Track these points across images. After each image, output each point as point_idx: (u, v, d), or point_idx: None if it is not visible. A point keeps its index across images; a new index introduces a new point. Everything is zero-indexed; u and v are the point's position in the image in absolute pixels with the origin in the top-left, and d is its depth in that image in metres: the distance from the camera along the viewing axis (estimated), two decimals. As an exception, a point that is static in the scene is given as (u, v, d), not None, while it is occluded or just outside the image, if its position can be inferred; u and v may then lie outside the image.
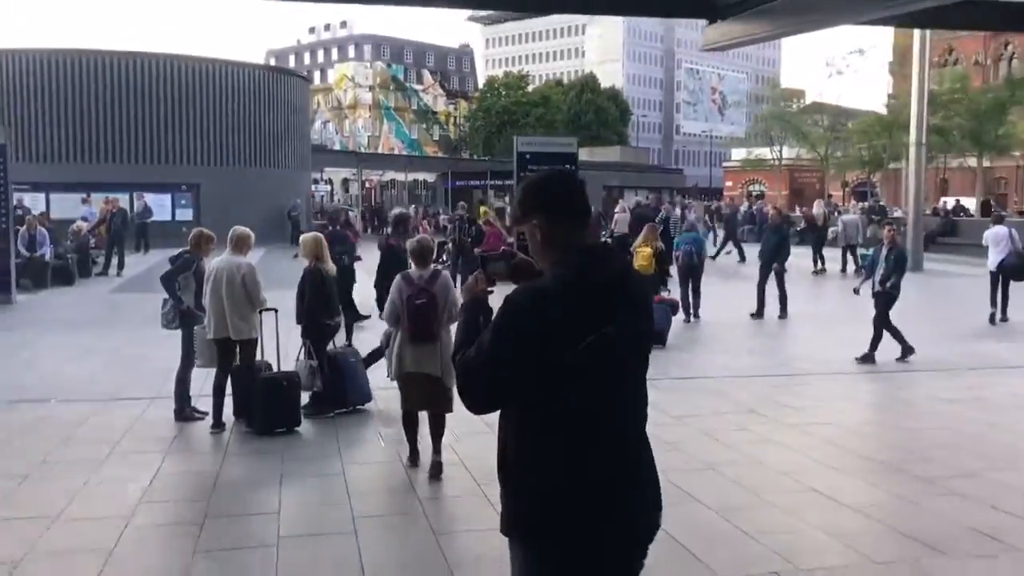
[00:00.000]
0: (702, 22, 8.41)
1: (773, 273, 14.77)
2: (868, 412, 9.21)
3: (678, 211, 26.89)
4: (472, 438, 6.93)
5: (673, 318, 12.54)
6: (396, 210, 16.28)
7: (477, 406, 2.54)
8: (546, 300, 2.41)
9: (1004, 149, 47.67)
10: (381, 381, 7.97)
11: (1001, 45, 61.38)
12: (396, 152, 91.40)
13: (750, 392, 9.73)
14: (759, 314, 14.58)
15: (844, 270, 22.67)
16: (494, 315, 2.49)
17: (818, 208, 25.81)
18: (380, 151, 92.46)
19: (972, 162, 49.30)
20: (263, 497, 6.12)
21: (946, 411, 8.75)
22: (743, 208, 40.01)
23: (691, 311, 14.23)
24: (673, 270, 15.44)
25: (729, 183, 72.24)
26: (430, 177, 62.77)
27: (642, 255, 11.62)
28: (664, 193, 42.84)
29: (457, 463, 6.77)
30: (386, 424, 7.88)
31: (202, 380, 8.25)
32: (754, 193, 62.41)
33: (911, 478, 6.45)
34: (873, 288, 11.14)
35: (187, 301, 8.01)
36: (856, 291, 11.42)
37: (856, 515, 5.66)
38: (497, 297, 2.61)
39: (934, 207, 39.44)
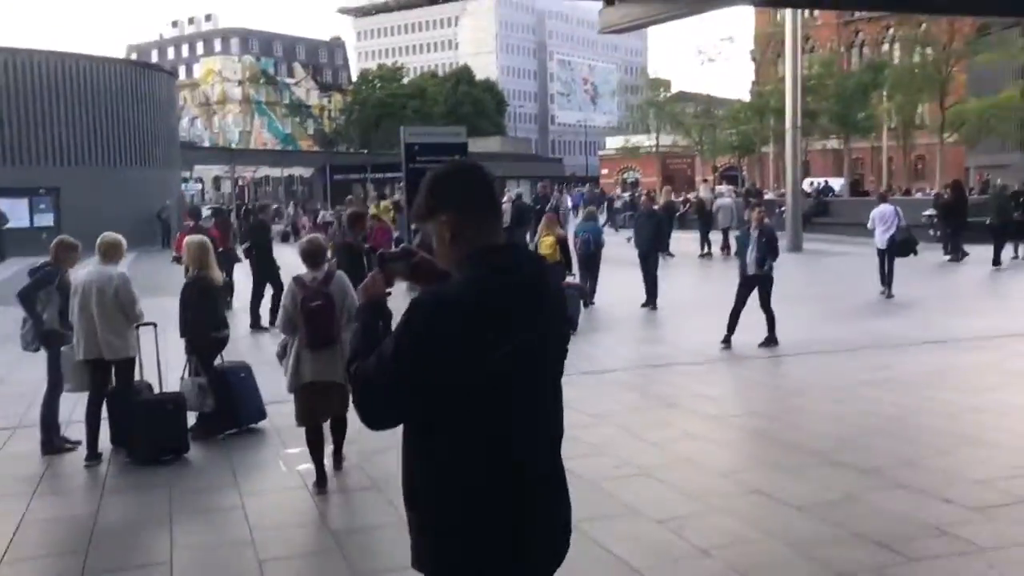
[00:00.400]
0: (587, 8, 8.03)
1: (650, 259, 14.53)
2: (787, 398, 8.96)
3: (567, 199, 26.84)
4: (381, 456, 6.30)
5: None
6: (350, 208, 15.44)
7: (376, 422, 2.26)
8: (456, 305, 2.16)
9: (867, 131, 49.85)
10: (278, 395, 7.24)
11: (852, 33, 64.79)
12: (269, 147, 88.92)
13: (664, 383, 9.46)
14: (650, 303, 14.41)
15: (726, 252, 22.76)
16: (396, 320, 2.24)
17: (705, 192, 26.13)
18: (253, 147, 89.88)
19: (834, 144, 51.25)
20: (151, 543, 5.32)
21: (863, 394, 8.58)
22: (619, 192, 40.50)
23: (587, 298, 13.98)
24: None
25: (605, 170, 73.22)
26: (306, 172, 61.21)
27: (546, 244, 11.37)
28: (547, 181, 43.02)
29: (369, 487, 6.16)
30: (285, 444, 7.16)
31: (72, 405, 7.33)
32: (628, 180, 63.57)
33: (853, 470, 6.14)
34: (746, 270, 10.97)
35: (50, 319, 7.08)
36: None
37: (808, 517, 5.30)
38: (397, 300, 2.26)
39: (800, 188, 40.56)
